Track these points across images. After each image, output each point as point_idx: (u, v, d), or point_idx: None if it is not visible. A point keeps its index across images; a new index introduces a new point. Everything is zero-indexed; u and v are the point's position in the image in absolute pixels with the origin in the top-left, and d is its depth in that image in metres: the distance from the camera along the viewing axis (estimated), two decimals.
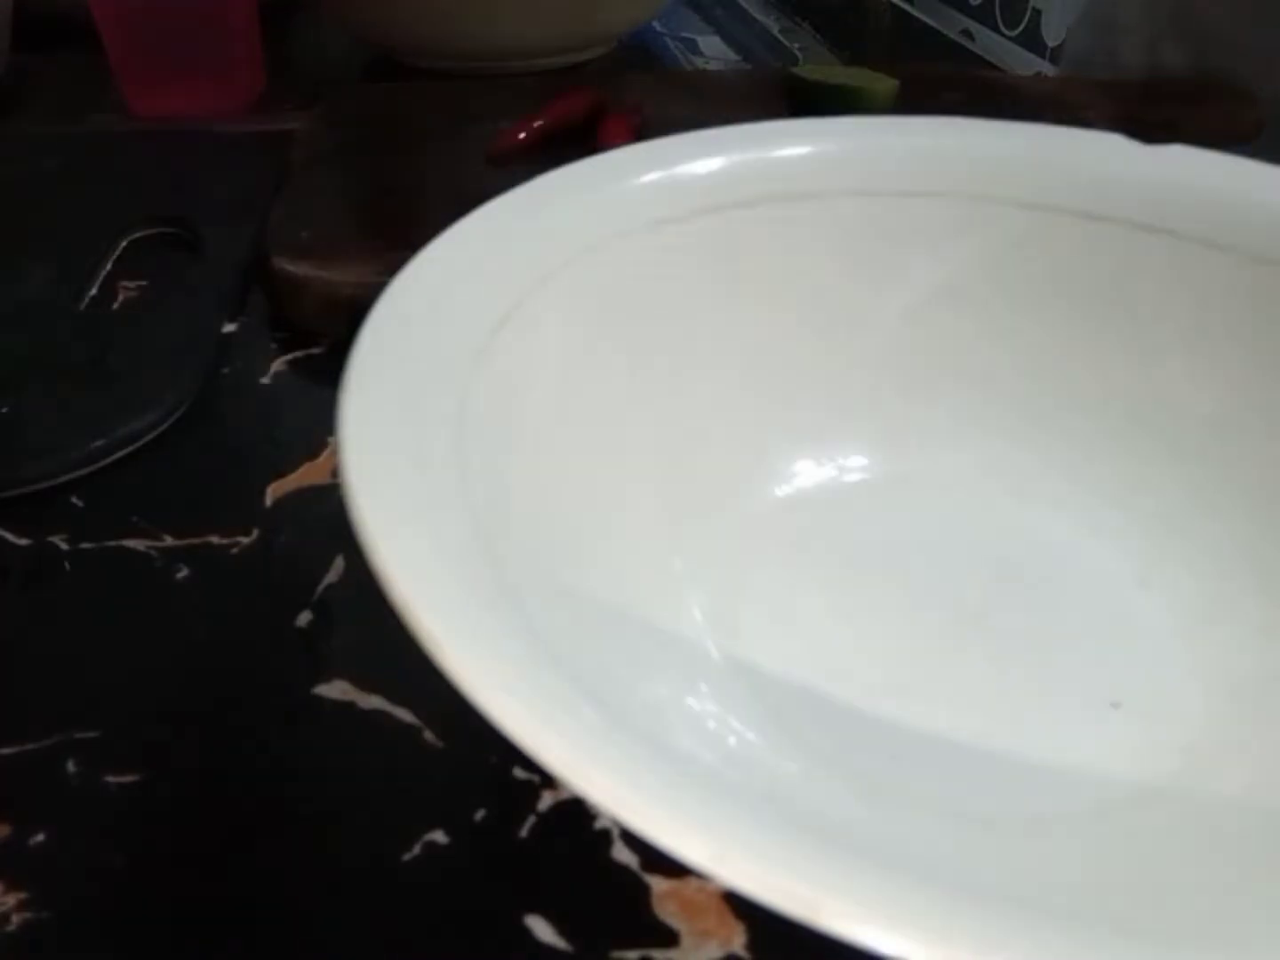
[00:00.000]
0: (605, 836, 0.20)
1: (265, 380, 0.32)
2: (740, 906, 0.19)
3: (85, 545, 0.26)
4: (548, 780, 0.21)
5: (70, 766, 0.21)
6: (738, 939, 0.19)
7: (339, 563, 0.25)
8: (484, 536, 0.19)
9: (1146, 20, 0.51)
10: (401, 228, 0.37)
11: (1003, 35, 0.66)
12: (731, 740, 0.22)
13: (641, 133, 0.43)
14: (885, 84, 0.46)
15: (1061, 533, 0.28)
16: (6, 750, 0.21)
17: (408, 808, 0.21)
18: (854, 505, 0.28)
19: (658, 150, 0.29)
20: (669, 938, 0.19)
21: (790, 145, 0.29)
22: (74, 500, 0.27)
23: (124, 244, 0.37)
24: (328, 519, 0.27)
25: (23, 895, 0.19)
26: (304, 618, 0.24)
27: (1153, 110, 0.46)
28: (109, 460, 0.28)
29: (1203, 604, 0.25)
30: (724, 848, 0.14)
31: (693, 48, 0.66)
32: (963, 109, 0.30)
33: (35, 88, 0.54)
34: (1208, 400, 0.27)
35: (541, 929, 0.19)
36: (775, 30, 0.73)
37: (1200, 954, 0.13)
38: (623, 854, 0.20)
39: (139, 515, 0.27)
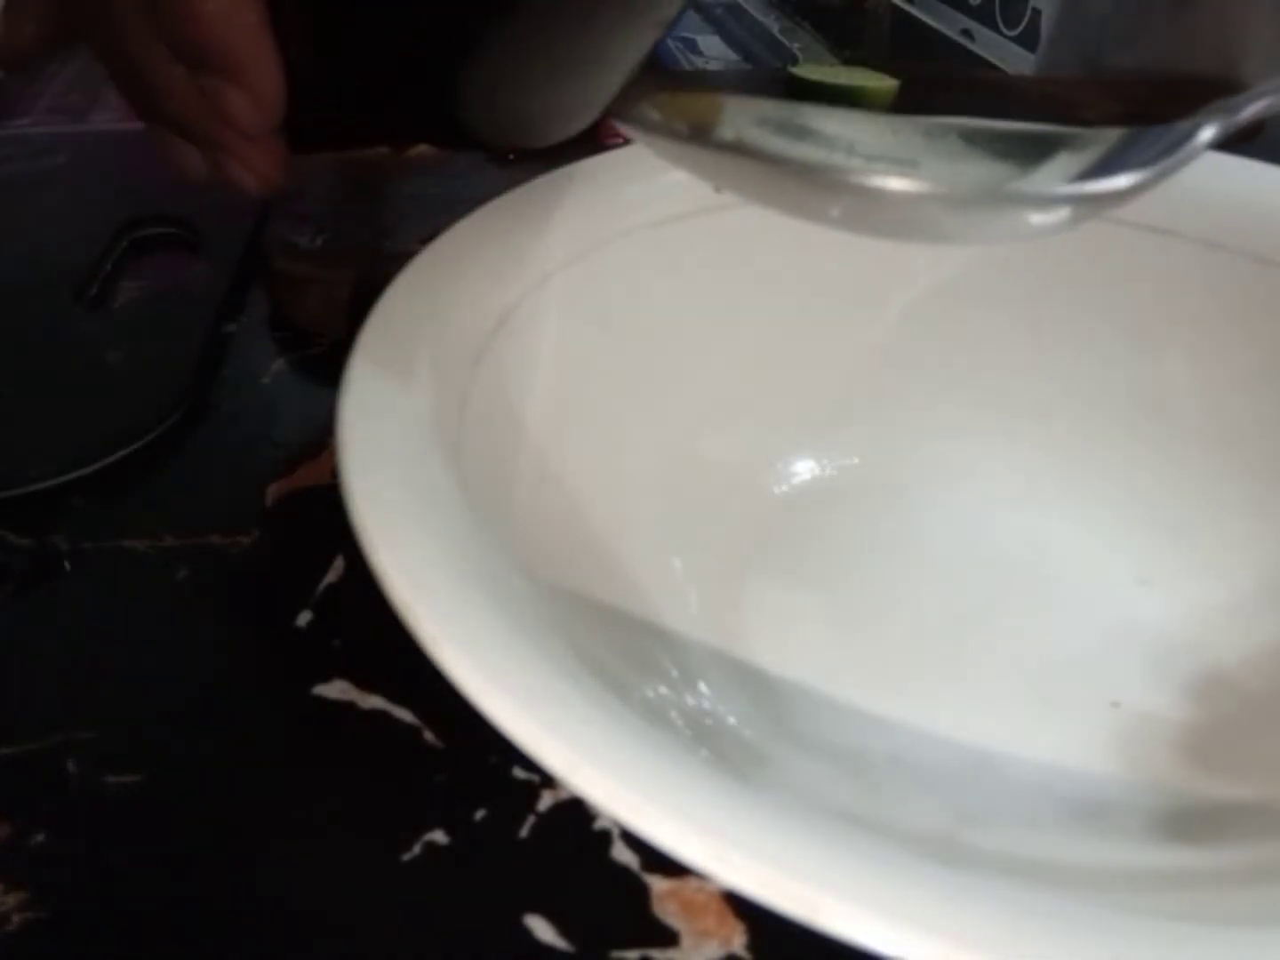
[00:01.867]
0: (605, 836, 0.20)
1: (265, 380, 0.32)
2: (740, 906, 0.19)
3: (85, 545, 0.26)
4: (548, 780, 0.21)
5: (70, 766, 0.21)
6: (738, 939, 0.19)
7: (339, 563, 0.25)
8: (484, 537, 0.19)
9: (1131, 17, 0.51)
10: (402, 227, 0.37)
11: (1003, 35, 0.66)
12: (731, 740, 0.22)
13: None
14: (885, 84, 0.46)
15: (1061, 532, 0.28)
16: (6, 750, 0.21)
17: (408, 808, 0.21)
18: (853, 505, 0.28)
19: None
20: (669, 938, 0.19)
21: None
22: (74, 500, 0.27)
23: (124, 244, 0.37)
24: (328, 519, 0.27)
25: (23, 895, 0.19)
26: (304, 618, 0.24)
27: (1153, 110, 0.46)
28: (109, 460, 0.28)
29: (1202, 603, 0.26)
30: (724, 848, 0.14)
31: (693, 48, 0.66)
32: (963, 109, 0.30)
33: (35, 88, 0.54)
34: (1208, 400, 0.27)
35: (541, 929, 0.19)
36: (775, 30, 0.73)
37: (1197, 952, 0.13)
38: (623, 854, 0.20)
39: (139, 515, 0.27)
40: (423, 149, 0.27)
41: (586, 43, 0.22)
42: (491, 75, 0.22)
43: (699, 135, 0.19)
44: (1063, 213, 0.17)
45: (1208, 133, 0.17)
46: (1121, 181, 0.17)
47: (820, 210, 0.18)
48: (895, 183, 0.17)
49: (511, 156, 0.41)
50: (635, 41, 0.23)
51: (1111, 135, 0.18)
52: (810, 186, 0.18)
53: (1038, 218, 0.17)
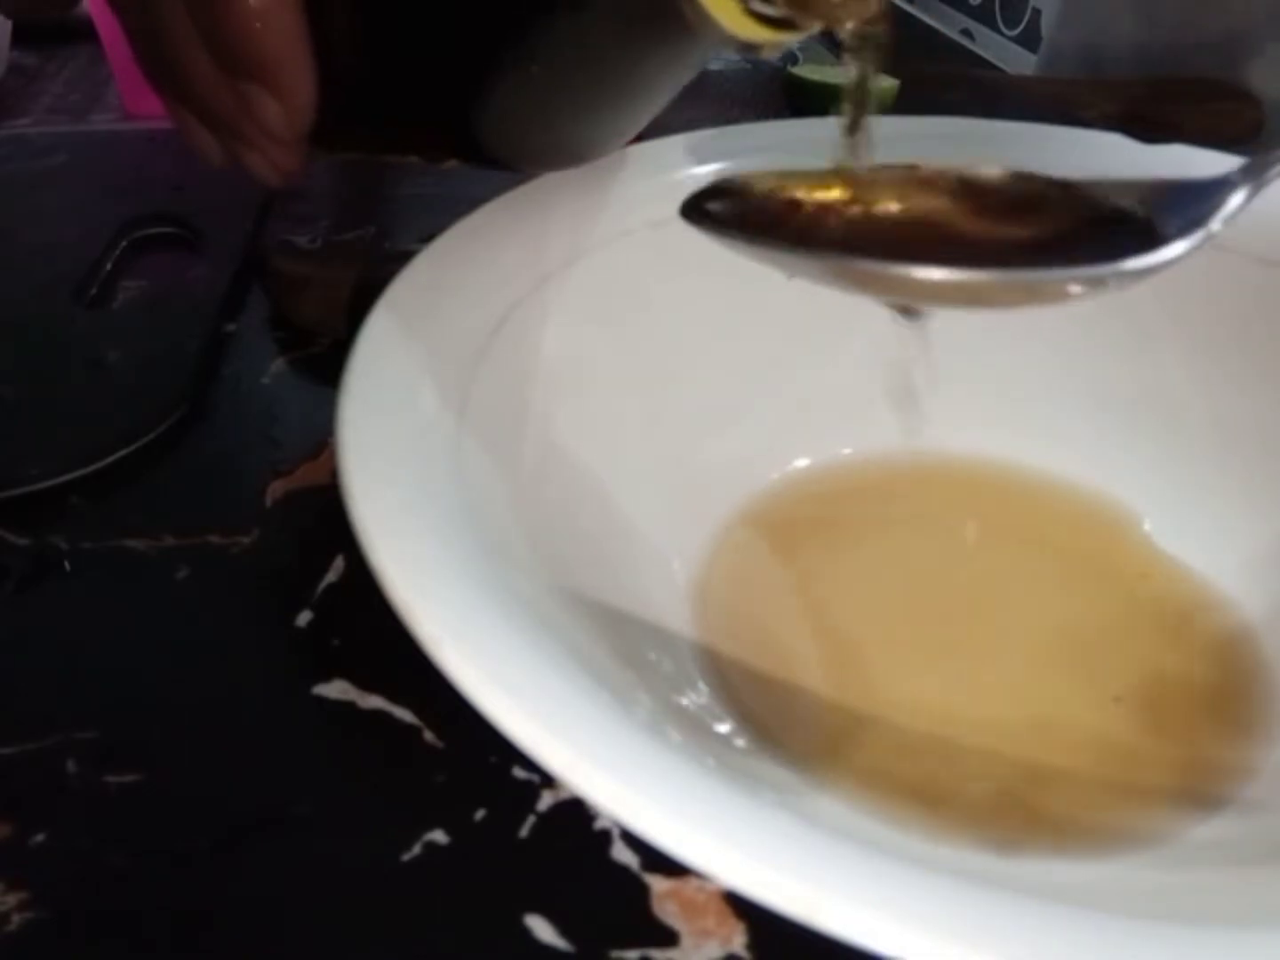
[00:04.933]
0: (605, 836, 0.20)
1: (265, 380, 0.32)
2: (740, 906, 0.19)
3: (85, 545, 0.26)
4: (548, 780, 0.21)
5: (70, 766, 0.21)
6: (738, 939, 0.19)
7: (339, 563, 0.25)
8: (484, 537, 0.19)
9: (1134, 18, 0.51)
10: (402, 227, 0.37)
11: (1003, 35, 0.66)
12: (729, 741, 0.22)
13: (641, 133, 0.43)
14: (885, 84, 0.46)
15: (1059, 530, 0.28)
16: (6, 750, 0.21)
17: (408, 808, 0.21)
18: (852, 503, 0.28)
19: (658, 150, 0.29)
20: (669, 938, 0.19)
21: (790, 145, 0.29)
22: (74, 500, 0.27)
23: (124, 244, 0.37)
24: (328, 519, 0.27)
25: (23, 895, 0.19)
26: (304, 618, 0.24)
27: (1153, 110, 0.46)
28: (109, 460, 0.28)
29: (1200, 600, 0.26)
30: (724, 848, 0.14)
31: None
32: (963, 109, 0.30)
33: (35, 88, 0.54)
34: (1207, 399, 0.27)
35: (541, 929, 0.19)
36: None
37: (1196, 951, 0.13)
38: (623, 854, 0.20)
39: (139, 515, 0.27)
40: (454, 163, 0.27)
41: (609, 82, 0.22)
42: (514, 109, 0.22)
43: (768, 234, 0.21)
44: (1103, 285, 0.19)
45: (1238, 198, 0.19)
46: (1160, 257, 0.18)
47: (875, 291, 0.20)
48: (940, 273, 0.18)
49: None
50: (664, 83, 0.23)
51: (1145, 191, 0.20)
52: (866, 278, 0.20)
53: (1077, 289, 0.19)
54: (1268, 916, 0.17)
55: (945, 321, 0.29)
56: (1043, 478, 0.28)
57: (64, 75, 0.55)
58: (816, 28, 0.19)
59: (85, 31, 0.54)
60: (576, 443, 0.25)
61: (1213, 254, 0.26)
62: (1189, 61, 0.49)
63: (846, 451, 0.29)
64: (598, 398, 0.26)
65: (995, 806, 0.22)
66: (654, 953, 0.18)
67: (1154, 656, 0.25)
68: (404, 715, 0.22)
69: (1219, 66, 0.48)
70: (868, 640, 0.25)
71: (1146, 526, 0.27)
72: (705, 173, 0.28)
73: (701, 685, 0.23)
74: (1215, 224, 0.19)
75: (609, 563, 0.24)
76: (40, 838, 0.20)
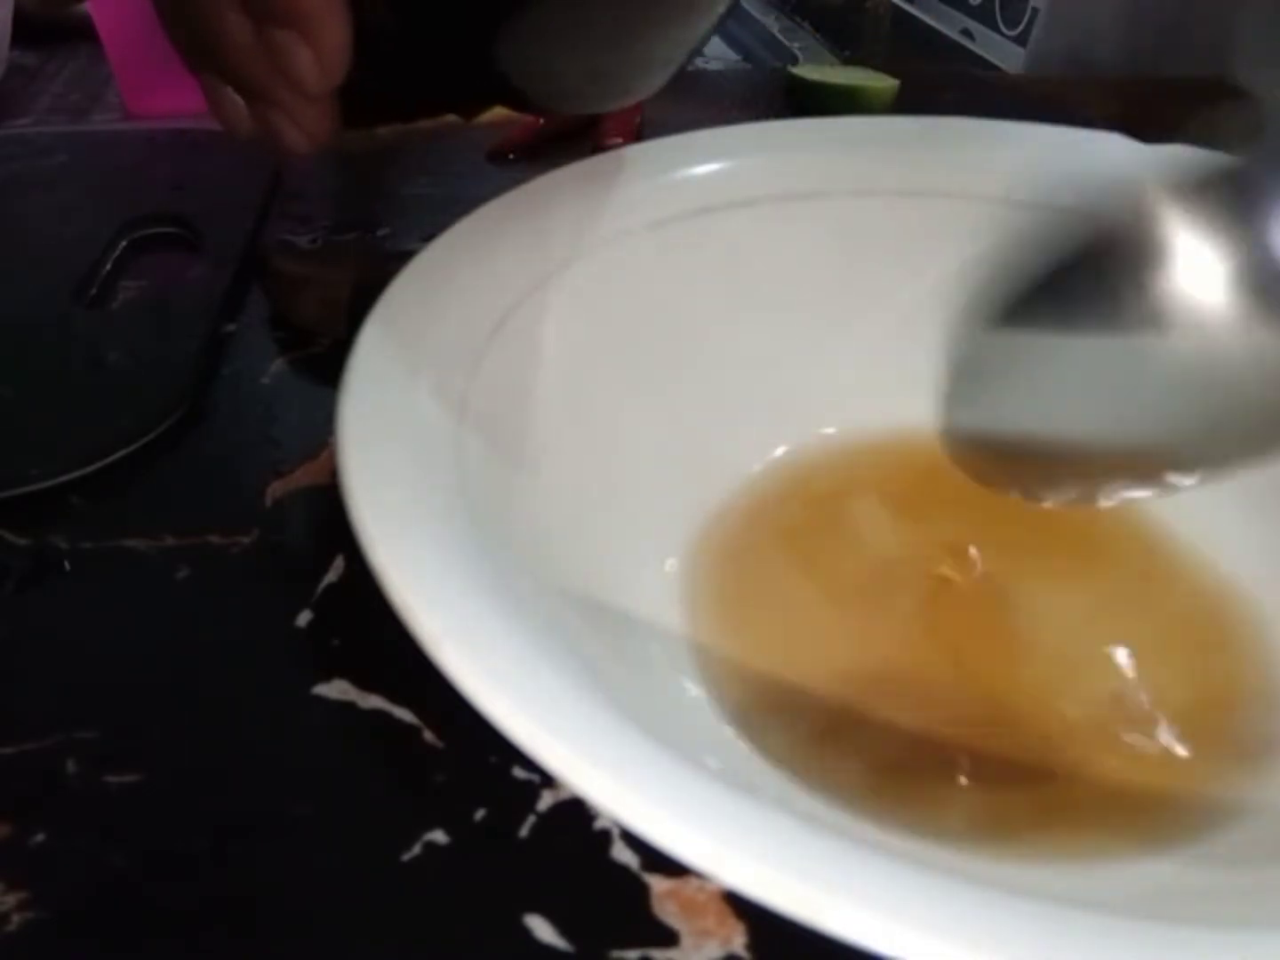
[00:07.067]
0: (605, 836, 0.20)
1: (265, 380, 0.32)
2: (740, 906, 0.19)
3: (85, 545, 0.26)
4: (548, 780, 0.21)
5: (70, 766, 0.21)
6: (738, 939, 0.19)
7: (339, 563, 0.25)
8: (483, 537, 0.19)
9: (1120, 21, 0.51)
10: (402, 227, 0.37)
11: (1003, 35, 0.66)
12: (728, 741, 0.22)
13: (641, 133, 0.43)
14: (885, 84, 0.46)
15: (1055, 528, 0.28)
16: (6, 750, 0.21)
17: (408, 808, 0.21)
18: (851, 502, 0.28)
19: (658, 150, 0.29)
20: (669, 938, 0.19)
21: (790, 145, 0.29)
22: (74, 500, 0.27)
23: (124, 244, 0.37)
24: (328, 519, 0.27)
25: (23, 895, 0.19)
26: (304, 618, 0.24)
27: (1153, 110, 0.46)
28: (109, 460, 0.28)
29: (1200, 598, 0.26)
30: (724, 848, 0.14)
31: None
32: (963, 109, 0.31)
33: (35, 88, 0.54)
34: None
35: (541, 929, 0.19)
36: (775, 30, 0.73)
37: (1197, 952, 0.13)
38: (623, 854, 0.20)
39: (139, 515, 0.27)
40: (494, 114, 0.25)
41: (631, 8, 0.21)
42: (541, 35, 0.21)
43: None
44: None
45: None
46: None
47: None
48: None
49: (511, 156, 0.41)
50: (694, 9, 0.22)
51: None
52: None
53: None
54: (1269, 917, 0.17)
55: (930, 311, 0.29)
56: None
57: (64, 75, 0.55)
58: None
59: (85, 31, 0.54)
60: (576, 442, 0.25)
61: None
62: (1176, 63, 0.49)
63: (839, 437, 0.29)
64: (597, 397, 0.26)
65: (1002, 795, 0.22)
66: (654, 953, 0.18)
67: (1163, 640, 0.25)
68: (404, 715, 0.22)
69: (1207, 68, 0.48)
70: (865, 626, 0.25)
71: (1139, 515, 0.27)
72: (705, 172, 0.28)
73: (699, 681, 0.23)
74: None
75: (607, 561, 0.24)
76: (40, 838, 0.20)
